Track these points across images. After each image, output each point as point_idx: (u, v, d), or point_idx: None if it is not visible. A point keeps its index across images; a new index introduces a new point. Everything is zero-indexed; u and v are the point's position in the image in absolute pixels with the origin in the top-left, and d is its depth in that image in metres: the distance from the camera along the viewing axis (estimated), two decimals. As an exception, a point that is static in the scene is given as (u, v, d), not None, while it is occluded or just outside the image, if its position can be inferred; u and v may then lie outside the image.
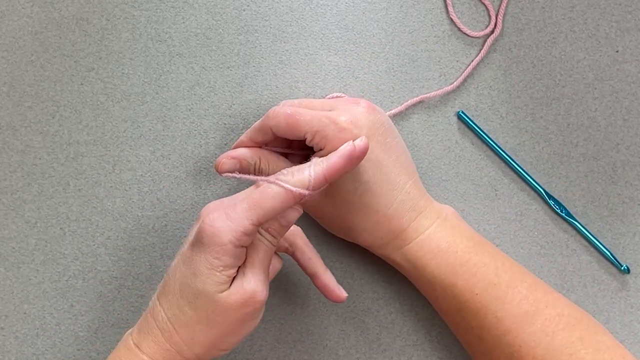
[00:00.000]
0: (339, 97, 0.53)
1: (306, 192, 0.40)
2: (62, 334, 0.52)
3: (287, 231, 0.43)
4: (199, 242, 0.40)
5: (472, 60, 0.53)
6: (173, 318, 0.41)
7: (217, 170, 0.47)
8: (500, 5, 0.54)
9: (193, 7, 0.54)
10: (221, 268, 0.40)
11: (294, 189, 0.40)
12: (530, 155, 0.53)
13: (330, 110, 0.45)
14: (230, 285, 0.40)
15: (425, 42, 0.54)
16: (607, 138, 0.53)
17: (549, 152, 0.53)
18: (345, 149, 0.41)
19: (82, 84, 0.54)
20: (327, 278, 0.47)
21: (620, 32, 0.54)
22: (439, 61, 0.54)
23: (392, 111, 0.53)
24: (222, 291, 0.40)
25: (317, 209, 0.48)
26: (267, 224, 0.41)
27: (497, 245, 0.52)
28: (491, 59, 0.54)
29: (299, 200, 0.40)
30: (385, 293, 0.52)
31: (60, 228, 0.53)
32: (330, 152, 0.42)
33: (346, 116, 0.44)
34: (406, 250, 0.46)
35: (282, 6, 0.54)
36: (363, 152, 0.42)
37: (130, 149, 0.53)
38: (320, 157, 0.42)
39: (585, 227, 0.52)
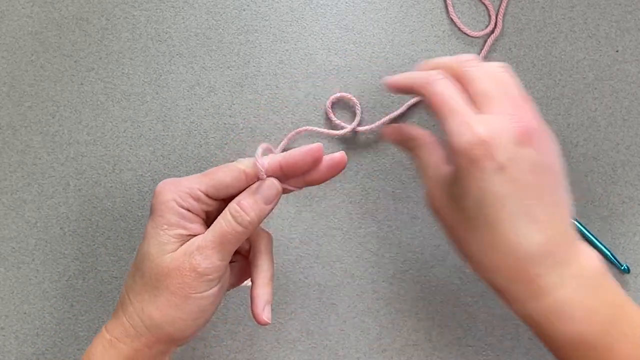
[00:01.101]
0: (343, 96, 0.53)
1: (262, 172, 0.40)
2: (62, 334, 0.52)
3: (264, 215, 0.40)
4: (151, 207, 0.40)
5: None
6: (129, 288, 0.41)
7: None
8: (500, 5, 0.54)
9: (193, 7, 0.54)
10: (165, 227, 0.39)
11: (242, 166, 0.40)
12: (530, 155, 0.53)
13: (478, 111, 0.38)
14: (177, 251, 0.39)
15: (425, 42, 0.54)
16: (607, 138, 0.53)
17: (549, 152, 0.53)
18: (309, 147, 0.40)
19: (82, 84, 0.54)
20: (261, 293, 0.42)
21: (620, 32, 0.54)
22: (439, 61, 0.54)
23: (393, 113, 0.53)
24: (166, 253, 0.39)
25: (454, 223, 0.40)
26: (242, 201, 0.39)
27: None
28: (491, 59, 0.54)
29: (251, 181, 0.40)
30: (385, 293, 0.52)
31: (60, 228, 0.53)
32: (457, 165, 0.37)
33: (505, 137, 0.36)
34: (541, 305, 0.37)
35: (282, 6, 0.54)
36: (323, 158, 0.40)
37: (130, 149, 0.53)
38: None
39: (585, 227, 0.52)
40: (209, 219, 0.41)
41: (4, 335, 0.52)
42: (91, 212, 0.53)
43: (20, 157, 0.53)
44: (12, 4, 0.54)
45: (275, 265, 0.53)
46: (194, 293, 0.39)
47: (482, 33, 0.54)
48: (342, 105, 0.53)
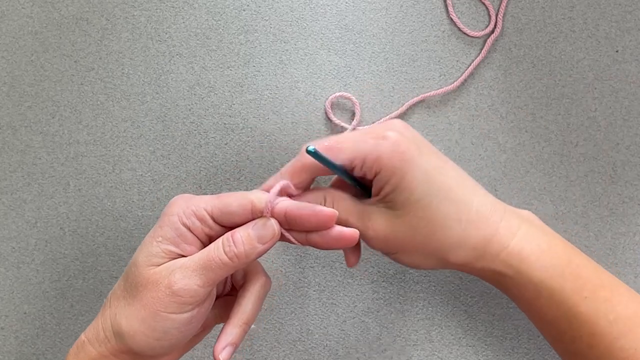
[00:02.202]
0: (343, 96, 0.53)
1: (263, 208, 0.38)
2: (62, 334, 0.52)
3: (255, 253, 0.39)
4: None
5: (473, 61, 0.53)
6: (113, 291, 0.40)
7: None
8: (500, 5, 0.54)
9: (193, 7, 0.54)
10: (159, 238, 0.38)
11: (252, 197, 0.38)
12: (530, 155, 0.53)
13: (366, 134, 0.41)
14: (161, 265, 0.38)
15: (425, 42, 0.54)
16: (607, 138, 0.53)
17: (549, 152, 0.53)
18: (321, 208, 0.39)
19: (82, 84, 0.54)
20: (229, 332, 0.40)
21: (620, 32, 0.54)
22: (439, 61, 0.54)
23: (393, 113, 0.53)
24: (151, 265, 0.38)
25: (394, 243, 0.41)
26: (236, 231, 0.39)
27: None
28: (491, 59, 0.54)
29: (256, 215, 0.39)
30: (385, 293, 0.52)
31: (61, 228, 0.53)
32: (388, 175, 0.39)
33: (392, 128, 0.40)
34: (507, 255, 0.40)
35: (282, 6, 0.54)
36: (335, 227, 0.39)
37: (130, 149, 0.53)
38: (376, 184, 0.40)
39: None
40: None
41: (4, 335, 0.52)
42: (91, 212, 0.53)
43: (20, 157, 0.53)
44: (12, 4, 0.54)
45: (275, 265, 0.53)
46: (162, 311, 0.37)
47: (482, 33, 0.54)
48: (342, 105, 0.53)
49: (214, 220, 0.39)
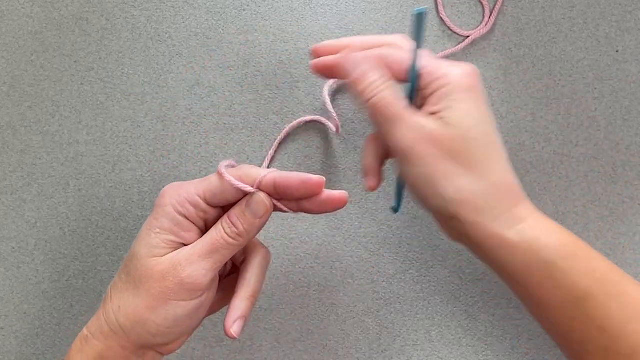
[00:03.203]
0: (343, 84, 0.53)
1: (248, 187, 0.39)
2: (62, 334, 0.52)
3: (254, 228, 0.40)
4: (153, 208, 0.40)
5: (447, 50, 0.54)
6: (113, 285, 0.40)
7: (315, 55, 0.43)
8: (495, 5, 0.54)
9: (193, 7, 0.54)
10: (157, 230, 0.39)
11: (234, 181, 0.39)
12: (530, 155, 0.53)
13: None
14: (165, 256, 0.39)
15: (425, 42, 0.54)
16: (607, 138, 0.53)
17: (549, 152, 0.53)
18: (309, 176, 0.39)
19: (82, 84, 0.54)
20: (238, 305, 0.41)
21: (620, 32, 0.54)
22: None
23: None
24: (154, 256, 0.39)
25: (434, 143, 0.39)
26: (232, 212, 0.40)
27: (497, 245, 0.52)
28: (491, 59, 0.54)
29: (245, 194, 0.40)
30: (385, 293, 0.52)
31: (60, 228, 0.53)
32: (451, 91, 0.39)
33: (466, 65, 0.40)
34: (523, 227, 0.39)
35: (282, 6, 0.54)
36: (323, 192, 0.40)
37: (130, 149, 0.53)
38: (433, 97, 0.40)
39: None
40: (207, 229, 0.41)
41: (4, 335, 0.52)
42: (91, 212, 0.53)
43: (20, 157, 0.53)
44: (12, 4, 0.54)
45: (275, 265, 0.53)
46: (173, 299, 0.38)
47: (471, 32, 0.54)
48: (341, 105, 0.53)
49: (207, 203, 0.40)
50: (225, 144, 0.53)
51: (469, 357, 0.51)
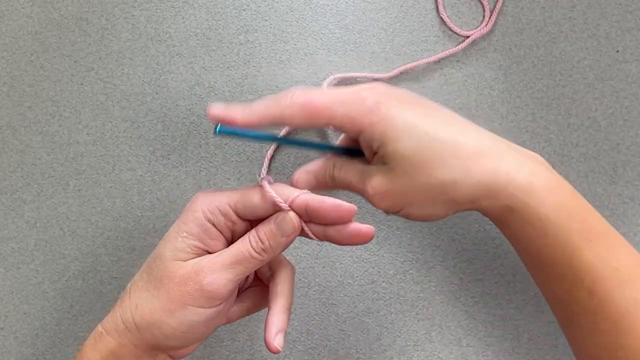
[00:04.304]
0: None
1: (283, 204, 0.39)
2: (61, 334, 0.52)
3: (280, 246, 0.40)
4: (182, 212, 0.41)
5: (447, 50, 0.54)
6: (133, 283, 0.41)
7: (295, 186, 0.43)
8: (495, 5, 0.54)
9: (193, 7, 0.54)
10: (184, 234, 0.39)
11: (275, 195, 0.39)
12: (530, 155, 0.53)
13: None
14: (189, 261, 0.39)
15: (425, 42, 0.54)
16: (607, 138, 0.53)
17: (549, 152, 0.53)
18: (341, 202, 0.39)
19: (82, 84, 0.54)
20: (277, 320, 0.40)
21: (621, 32, 0.54)
22: (439, 61, 0.54)
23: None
24: (177, 259, 0.39)
25: (397, 198, 0.41)
26: (260, 228, 0.40)
27: (497, 245, 0.52)
28: (491, 59, 0.54)
29: (276, 210, 0.40)
30: (385, 293, 0.52)
31: (60, 228, 0.53)
32: (370, 133, 0.39)
33: (366, 88, 0.40)
34: (514, 187, 0.39)
35: (282, 6, 0.54)
36: (352, 224, 0.40)
37: (130, 149, 0.53)
38: (363, 145, 0.41)
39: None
40: (233, 240, 0.41)
41: (4, 336, 0.52)
42: (91, 212, 0.53)
43: (20, 157, 0.53)
44: (12, 4, 0.54)
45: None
46: (191, 305, 0.38)
47: (471, 32, 0.54)
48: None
49: (237, 215, 0.40)
50: (225, 144, 0.53)
51: (469, 357, 0.51)
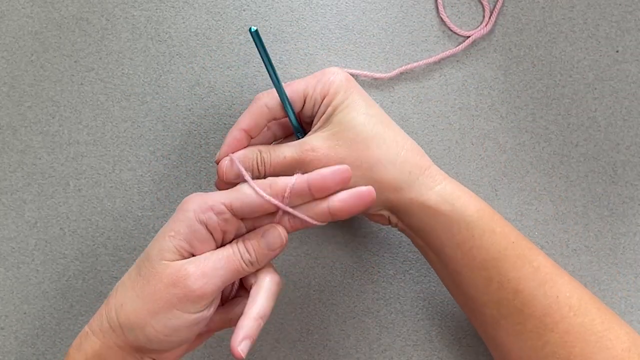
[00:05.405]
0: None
1: (276, 201, 0.39)
2: (62, 334, 0.52)
3: (266, 259, 0.40)
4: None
5: (447, 50, 0.54)
6: (121, 282, 0.40)
7: (222, 179, 0.44)
8: (495, 6, 0.54)
9: (193, 7, 0.54)
10: (172, 233, 0.39)
11: (263, 194, 0.39)
12: (530, 155, 0.53)
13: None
14: (174, 262, 0.39)
15: (425, 42, 0.54)
16: (607, 138, 0.53)
17: (549, 152, 0.53)
18: (337, 166, 0.40)
19: (82, 84, 0.54)
20: (246, 325, 0.39)
21: (621, 32, 0.54)
22: (439, 61, 0.54)
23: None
24: (162, 259, 0.38)
25: (334, 159, 0.42)
26: (247, 239, 0.40)
27: (497, 245, 0.52)
28: (491, 59, 0.54)
29: (273, 209, 0.40)
30: (385, 293, 0.52)
31: (60, 228, 0.53)
32: (335, 92, 0.43)
33: (334, 70, 0.45)
34: (442, 189, 0.42)
35: (282, 6, 0.54)
36: (350, 190, 0.41)
37: (130, 149, 0.53)
38: (321, 109, 0.44)
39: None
40: (223, 243, 0.41)
41: (4, 336, 0.52)
42: (91, 212, 0.53)
43: (20, 157, 0.53)
44: (12, 4, 0.54)
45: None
46: (176, 309, 0.38)
47: (471, 32, 0.54)
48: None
49: (233, 213, 0.40)
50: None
51: (469, 357, 0.51)
